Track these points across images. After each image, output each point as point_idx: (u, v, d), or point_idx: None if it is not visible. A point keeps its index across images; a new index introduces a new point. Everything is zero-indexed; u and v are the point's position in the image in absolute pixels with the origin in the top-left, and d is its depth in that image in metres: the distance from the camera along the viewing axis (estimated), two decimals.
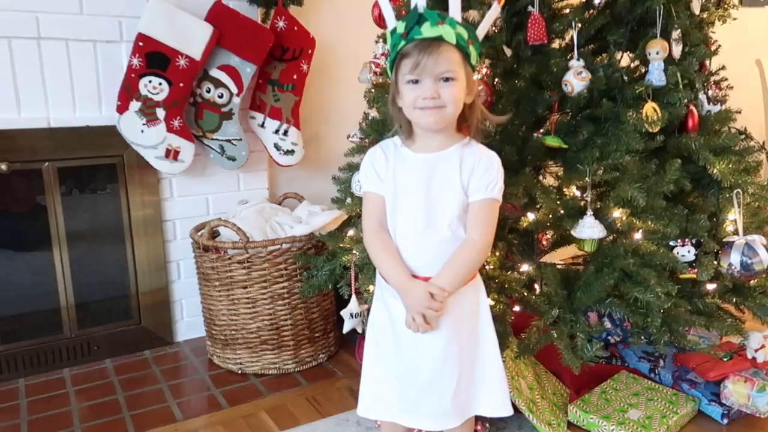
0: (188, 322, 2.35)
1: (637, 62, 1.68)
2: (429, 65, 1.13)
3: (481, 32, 1.22)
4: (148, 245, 2.22)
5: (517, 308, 1.65)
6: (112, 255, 2.21)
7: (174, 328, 2.33)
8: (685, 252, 1.55)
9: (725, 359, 1.75)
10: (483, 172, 1.19)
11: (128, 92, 2.01)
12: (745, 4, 3.94)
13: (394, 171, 1.23)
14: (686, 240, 1.55)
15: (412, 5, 1.17)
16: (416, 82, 1.15)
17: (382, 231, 1.25)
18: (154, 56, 1.99)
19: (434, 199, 1.19)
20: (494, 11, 1.25)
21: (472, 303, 1.28)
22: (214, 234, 2.07)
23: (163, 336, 2.30)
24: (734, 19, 3.82)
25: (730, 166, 1.60)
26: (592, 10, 1.59)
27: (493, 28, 1.74)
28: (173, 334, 2.33)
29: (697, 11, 1.69)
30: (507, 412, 1.28)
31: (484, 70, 1.69)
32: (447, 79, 1.14)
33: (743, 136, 1.71)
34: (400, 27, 1.15)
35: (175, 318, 2.33)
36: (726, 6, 3.77)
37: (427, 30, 1.12)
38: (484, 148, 1.22)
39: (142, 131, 2.04)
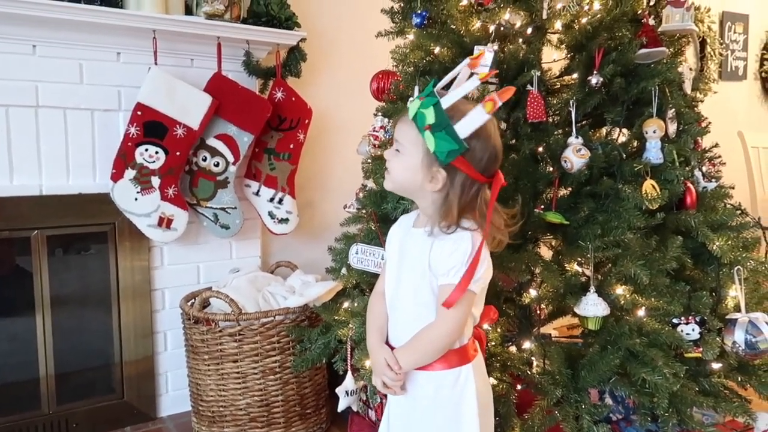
0: (173, 396, 2.25)
1: (630, 138, 1.71)
2: (393, 131, 1.23)
3: (461, 129, 1.11)
4: (135, 314, 2.15)
5: (519, 386, 1.61)
6: (97, 324, 2.14)
7: (158, 402, 2.23)
8: (690, 330, 1.52)
9: None
10: (446, 256, 1.14)
11: (124, 160, 2.00)
12: (724, 78, 4.11)
13: (394, 240, 1.28)
14: (690, 317, 1.53)
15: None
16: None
17: (375, 294, 1.31)
18: (151, 125, 2.00)
19: (402, 274, 1.23)
20: (471, 83, 1.12)
21: (455, 391, 1.20)
22: (204, 304, 2.01)
23: (147, 411, 2.19)
24: (715, 92, 3.98)
25: (729, 242, 1.60)
26: (588, 89, 1.62)
27: None
28: (157, 409, 2.22)
29: (689, 91, 1.74)
30: None
31: None
32: (396, 150, 1.19)
33: (739, 212, 1.72)
34: None
35: (160, 392, 2.23)
36: (707, 80, 3.93)
37: (412, 102, 1.18)
38: (460, 232, 1.15)
39: (136, 199, 2.01)
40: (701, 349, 1.51)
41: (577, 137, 1.58)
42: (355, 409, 1.84)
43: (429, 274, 1.17)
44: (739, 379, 1.65)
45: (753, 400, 1.66)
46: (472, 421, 1.20)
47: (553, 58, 1.84)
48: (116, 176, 2.00)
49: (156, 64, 2.02)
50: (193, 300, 2.06)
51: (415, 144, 1.14)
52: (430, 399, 1.20)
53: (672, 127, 1.63)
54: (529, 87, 1.61)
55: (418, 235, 1.20)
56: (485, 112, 1.09)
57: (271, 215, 2.30)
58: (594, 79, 1.58)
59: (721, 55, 4.08)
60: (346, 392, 1.74)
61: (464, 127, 1.11)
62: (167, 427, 2.16)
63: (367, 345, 1.28)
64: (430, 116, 1.11)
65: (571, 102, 1.60)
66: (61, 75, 1.95)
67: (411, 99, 1.24)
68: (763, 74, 4.33)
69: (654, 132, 1.55)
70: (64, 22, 1.86)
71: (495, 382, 1.53)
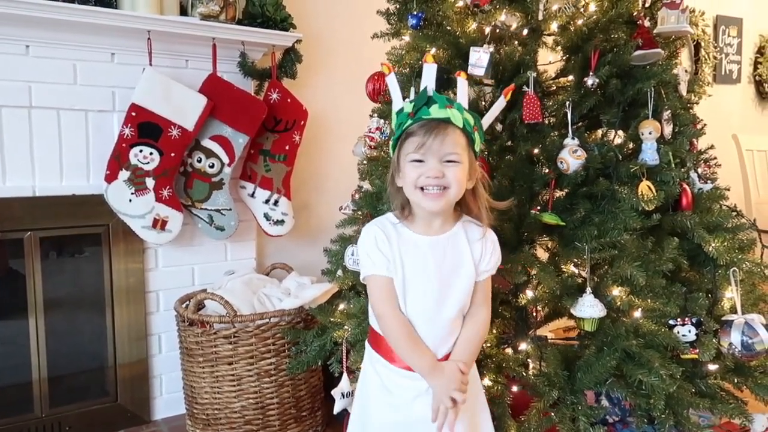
0: (167, 399, 2.23)
1: (626, 140, 1.71)
2: (435, 146, 1.14)
3: (486, 122, 1.27)
4: (129, 317, 2.14)
5: (514, 388, 1.60)
6: (90, 326, 2.12)
7: (152, 405, 2.21)
8: (686, 331, 1.52)
9: None
10: (491, 253, 1.25)
11: (118, 161, 1.98)
12: (718, 82, 4.12)
13: (399, 253, 1.21)
14: (686, 319, 1.53)
15: (421, 88, 1.20)
16: (420, 161, 1.16)
17: (401, 315, 1.21)
18: (146, 126, 1.98)
19: (447, 280, 1.20)
20: (500, 103, 1.34)
21: (473, 382, 1.27)
22: (199, 306, 2.00)
23: (140, 414, 2.17)
24: (710, 95, 4.00)
25: (725, 243, 1.60)
26: (584, 91, 1.62)
27: (484, 103, 1.77)
28: (151, 412, 2.21)
29: (684, 92, 1.74)
30: None
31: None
32: (451, 161, 1.15)
33: (735, 214, 1.72)
34: (408, 107, 1.18)
35: (154, 394, 2.22)
36: (701, 84, 3.94)
37: (436, 111, 1.15)
38: (488, 229, 1.26)
39: (130, 200, 2.00)
40: (698, 350, 1.51)
41: (573, 138, 1.58)
42: (350, 411, 1.82)
43: (474, 272, 1.22)
44: (735, 380, 1.65)
45: (749, 401, 1.66)
46: (485, 401, 1.31)
47: (549, 60, 1.83)
48: (110, 177, 1.98)
49: (151, 64, 2.01)
50: (187, 302, 2.05)
51: (465, 149, 1.18)
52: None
53: (668, 129, 1.63)
54: (525, 88, 1.60)
55: (440, 242, 1.21)
56: (505, 101, 1.34)
57: (267, 217, 2.29)
58: (590, 81, 1.58)
59: (715, 58, 4.09)
60: (342, 394, 1.73)
61: (490, 118, 1.31)
62: (161, 430, 2.15)
63: (424, 370, 1.18)
64: (470, 119, 1.19)
65: (567, 103, 1.60)
66: (55, 75, 1.94)
67: (408, 103, 1.21)
68: (756, 78, 4.35)
69: (650, 133, 1.55)
70: (58, 23, 1.85)
71: (490, 383, 1.53)
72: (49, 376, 2.02)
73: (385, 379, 1.24)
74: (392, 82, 1.28)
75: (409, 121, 1.17)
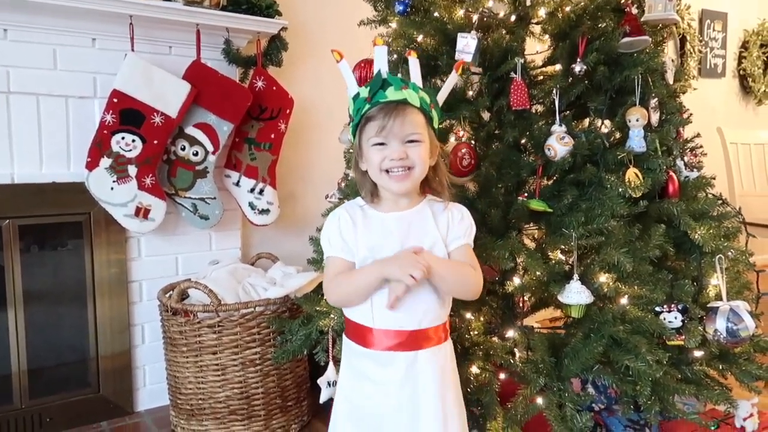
0: (151, 390, 2.20)
1: (613, 128, 1.71)
2: (395, 128, 1.15)
3: (441, 97, 1.28)
4: (111, 307, 2.10)
5: (502, 376, 1.60)
6: (72, 317, 2.08)
7: (135, 396, 2.18)
8: (672, 318, 1.52)
9: (713, 428, 1.72)
10: (458, 222, 1.24)
11: (99, 149, 1.95)
12: (703, 75, 4.15)
13: (364, 234, 1.22)
14: (672, 305, 1.54)
15: (374, 72, 1.21)
16: (382, 144, 1.17)
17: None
18: (128, 113, 1.95)
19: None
20: (453, 78, 1.33)
21: (454, 363, 1.27)
22: (183, 296, 1.97)
23: (123, 405, 2.14)
24: (695, 89, 4.02)
25: (711, 231, 1.61)
26: (571, 78, 1.61)
27: (472, 93, 1.76)
28: (134, 404, 2.18)
29: (671, 81, 1.75)
30: None
31: (461, 132, 1.70)
32: (413, 141, 1.17)
33: (720, 202, 1.73)
34: (364, 92, 1.18)
35: (137, 385, 2.18)
36: (687, 77, 3.97)
37: (392, 93, 1.15)
38: (450, 202, 1.27)
39: (112, 188, 1.97)
40: (683, 336, 1.52)
41: (560, 125, 1.58)
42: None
43: (441, 244, 1.21)
44: (720, 367, 1.66)
45: (734, 388, 1.67)
46: (460, 390, 1.27)
47: (536, 50, 1.83)
48: (91, 165, 1.94)
49: (133, 50, 1.97)
50: (171, 292, 2.02)
51: (425, 127, 1.19)
52: (440, 374, 1.20)
53: (654, 117, 1.64)
54: (512, 74, 1.59)
55: (405, 217, 1.22)
56: (457, 75, 1.35)
57: (252, 206, 2.26)
58: (578, 67, 1.58)
59: (700, 52, 4.11)
60: (328, 383, 1.71)
61: (444, 92, 1.29)
62: (144, 421, 2.12)
63: (379, 272, 1.16)
64: (426, 97, 1.19)
65: (554, 90, 1.59)
66: (34, 60, 1.90)
67: (363, 88, 1.20)
68: (741, 72, 4.38)
69: (637, 120, 1.55)
70: (37, 6, 1.80)
71: (478, 371, 1.52)
72: (29, 367, 1.99)
73: (365, 369, 1.22)
74: (345, 69, 1.27)
75: (367, 106, 1.17)
